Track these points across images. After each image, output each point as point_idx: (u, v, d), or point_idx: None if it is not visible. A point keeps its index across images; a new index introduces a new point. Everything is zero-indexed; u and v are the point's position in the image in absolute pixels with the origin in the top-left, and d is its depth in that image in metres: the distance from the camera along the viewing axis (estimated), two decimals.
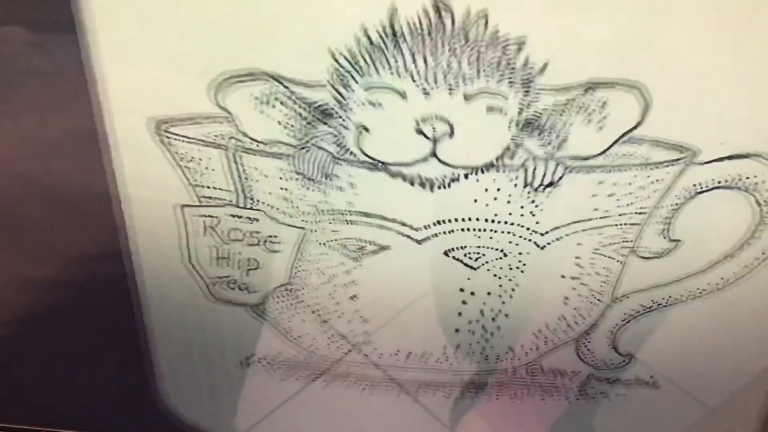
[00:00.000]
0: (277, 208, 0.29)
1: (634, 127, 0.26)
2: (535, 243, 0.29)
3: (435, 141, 0.27)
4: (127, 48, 0.26)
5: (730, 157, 0.26)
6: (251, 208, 0.30)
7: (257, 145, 0.28)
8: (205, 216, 0.30)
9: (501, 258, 0.30)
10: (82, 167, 0.29)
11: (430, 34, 0.25)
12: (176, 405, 0.36)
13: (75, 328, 0.35)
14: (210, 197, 0.29)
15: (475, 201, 0.28)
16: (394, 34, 0.25)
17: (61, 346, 0.35)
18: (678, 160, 0.26)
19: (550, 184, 0.27)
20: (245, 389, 0.35)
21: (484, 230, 0.29)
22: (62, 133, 0.29)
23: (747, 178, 0.27)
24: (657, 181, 0.27)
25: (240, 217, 0.30)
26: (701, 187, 0.27)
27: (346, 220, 0.30)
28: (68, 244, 0.32)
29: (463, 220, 0.29)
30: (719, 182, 0.27)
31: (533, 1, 0.24)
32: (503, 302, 0.31)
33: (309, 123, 0.27)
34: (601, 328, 0.31)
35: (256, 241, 0.31)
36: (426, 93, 0.26)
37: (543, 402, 0.33)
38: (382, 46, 0.25)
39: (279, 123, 0.27)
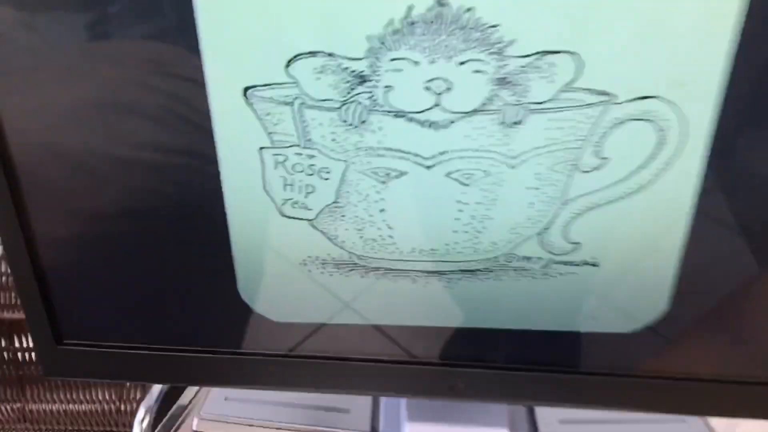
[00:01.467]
0: (328, 147, 0.42)
1: (572, 81, 0.38)
2: (507, 165, 0.42)
3: (439, 95, 0.40)
4: (226, 32, 0.38)
5: (638, 99, 0.39)
6: (309, 148, 0.42)
7: (315, 102, 0.40)
8: (277, 155, 0.42)
9: (485, 177, 0.42)
10: (189, 122, 0.42)
11: (433, 22, 0.37)
12: (252, 302, 0.49)
13: (175, 245, 0.47)
14: (281, 140, 0.42)
15: (467, 136, 0.41)
16: (411, 23, 0.37)
17: (164, 263, 0.48)
18: (603, 102, 0.39)
19: (518, 123, 0.40)
20: (303, 286, 0.48)
21: (473, 157, 0.42)
22: (173, 92, 0.41)
23: (650, 112, 0.39)
24: (589, 117, 0.40)
25: (301, 155, 0.42)
26: (620, 120, 0.40)
27: (377, 154, 0.42)
28: (176, 178, 0.44)
29: (458, 150, 0.42)
30: (632, 116, 0.40)
31: (505, 1, 0.36)
32: (488, 209, 0.44)
33: (351, 85, 0.40)
34: (556, 224, 0.44)
35: (313, 172, 0.43)
36: (432, 62, 0.38)
37: (516, 281, 0.46)
38: (403, 31, 0.37)
39: (330, 86, 0.40)
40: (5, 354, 0.74)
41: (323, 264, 0.47)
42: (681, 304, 0.46)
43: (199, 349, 0.51)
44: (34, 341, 0.51)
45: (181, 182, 0.45)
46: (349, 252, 0.46)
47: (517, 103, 0.39)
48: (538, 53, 0.38)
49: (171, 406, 0.79)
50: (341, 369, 0.51)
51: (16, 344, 0.75)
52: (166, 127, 0.42)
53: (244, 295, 0.49)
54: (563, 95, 0.39)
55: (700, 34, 0.37)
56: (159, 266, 0.48)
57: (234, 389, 0.63)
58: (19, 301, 0.90)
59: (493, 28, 0.37)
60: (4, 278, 0.91)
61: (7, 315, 0.73)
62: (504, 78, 0.39)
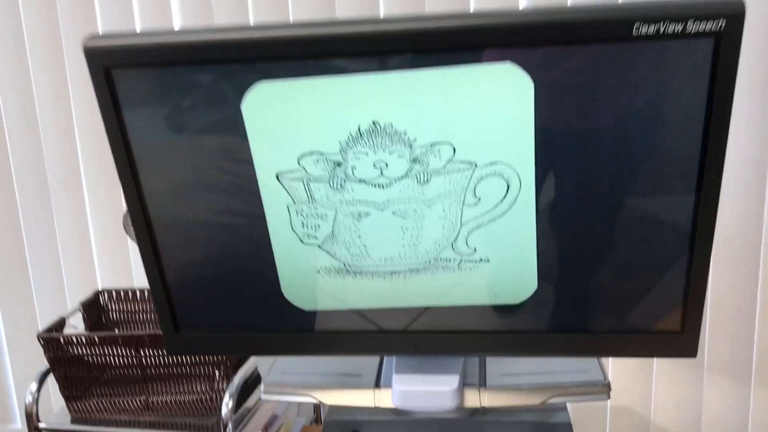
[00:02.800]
0: (324, 202, 0.74)
1: (451, 157, 0.70)
2: (426, 205, 0.73)
3: (381, 170, 0.72)
4: (265, 146, 0.72)
5: (490, 164, 0.70)
6: (314, 203, 0.75)
7: (314, 178, 0.73)
8: (297, 208, 0.75)
9: (414, 213, 0.74)
10: (248, 194, 0.75)
11: (372, 132, 0.70)
12: (289, 297, 0.81)
13: (244, 267, 0.80)
14: (299, 200, 0.75)
15: (400, 191, 0.73)
16: (360, 134, 0.70)
17: (238, 278, 0.81)
18: (470, 167, 0.70)
19: (427, 181, 0.72)
20: (320, 286, 0.79)
21: (405, 202, 0.73)
22: (236, 175, 0.75)
23: (498, 171, 0.70)
24: (465, 175, 0.71)
25: (310, 207, 0.75)
26: (482, 176, 0.71)
27: (352, 204, 0.74)
28: (243, 227, 0.77)
29: (397, 199, 0.73)
30: (489, 174, 0.71)
31: (420, 117, 0.69)
32: (418, 231, 0.75)
33: (332, 168, 0.72)
34: (460, 237, 0.75)
35: (317, 216, 0.75)
36: (375, 152, 0.71)
37: (444, 274, 0.77)
38: (357, 138, 0.70)
39: (322, 169, 0.72)
40: (133, 360, 1.08)
41: (328, 271, 0.79)
42: (544, 284, 0.76)
43: (263, 330, 0.84)
44: (162, 331, 0.84)
45: (246, 230, 0.78)
46: (343, 262, 0.78)
47: (424, 171, 0.71)
48: (430, 144, 0.70)
49: (248, 395, 1.12)
50: (349, 339, 0.83)
51: (141, 353, 1.08)
52: (235, 196, 0.76)
53: (286, 295, 0.81)
54: (449, 165, 0.71)
55: (515, 130, 0.68)
56: (236, 280, 0.81)
57: (287, 366, 0.95)
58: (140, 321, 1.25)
59: (404, 133, 0.70)
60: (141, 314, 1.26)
61: (136, 333, 1.07)
62: (415, 158, 0.71)
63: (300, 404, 1.39)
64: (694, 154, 0.69)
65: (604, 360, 0.90)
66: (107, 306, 1.28)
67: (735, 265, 1.17)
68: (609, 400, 1.26)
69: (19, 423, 1.66)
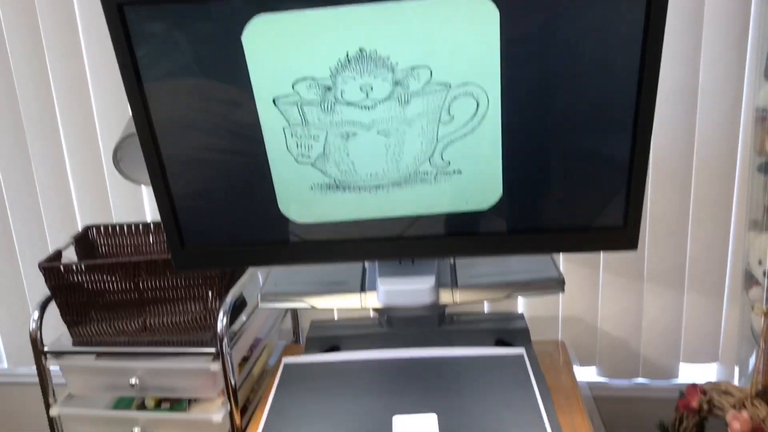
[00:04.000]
0: (316, 124, 0.84)
1: (429, 79, 0.80)
2: (406, 124, 0.84)
3: (367, 93, 0.82)
4: (263, 74, 0.81)
5: (462, 84, 0.81)
6: (307, 125, 0.84)
7: (307, 102, 0.83)
8: (291, 130, 0.85)
9: (396, 131, 0.84)
10: (249, 118, 0.84)
11: (359, 59, 0.80)
12: (285, 211, 0.91)
13: (245, 185, 0.89)
14: (293, 122, 0.84)
15: (384, 111, 0.83)
16: (348, 60, 0.80)
17: (239, 196, 0.90)
18: (445, 88, 0.81)
19: (408, 102, 0.82)
20: (312, 200, 0.90)
21: (388, 121, 0.84)
22: (237, 101, 0.84)
23: (469, 91, 0.81)
24: (440, 96, 0.82)
25: (303, 129, 0.85)
26: (455, 96, 0.82)
27: (341, 125, 0.84)
28: (246, 147, 0.86)
29: (381, 119, 0.84)
30: (461, 94, 0.82)
31: (401, 44, 0.79)
32: (400, 148, 0.86)
33: (323, 92, 0.82)
34: (436, 152, 0.86)
35: (310, 137, 0.85)
36: (362, 76, 0.81)
37: (422, 185, 0.88)
38: (346, 64, 0.80)
39: (314, 93, 0.82)
40: (131, 285, 1.17)
41: (320, 187, 0.89)
42: (508, 191, 0.88)
43: (262, 243, 0.94)
44: (169, 247, 0.94)
45: (246, 152, 0.87)
46: (333, 179, 0.89)
47: (405, 92, 0.82)
48: (410, 68, 0.80)
49: (239, 313, 1.22)
50: (339, 247, 0.94)
51: (140, 285, 1.17)
52: (236, 121, 0.85)
53: (282, 210, 0.92)
54: (426, 86, 0.81)
55: (483, 54, 0.79)
56: (237, 198, 0.91)
57: (280, 278, 1.06)
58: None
59: (387, 58, 0.80)
60: (128, 248, 1.34)
61: (133, 259, 1.15)
62: (397, 81, 0.81)
63: (281, 328, 1.50)
64: (634, 74, 0.81)
65: (557, 264, 1.03)
66: (96, 241, 1.35)
67: (670, 185, 1.32)
68: (560, 311, 1.42)
69: (5, 363, 1.73)
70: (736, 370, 1.39)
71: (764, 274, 1.07)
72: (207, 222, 0.93)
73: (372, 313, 1.40)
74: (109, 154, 1.47)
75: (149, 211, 1.50)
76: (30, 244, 1.58)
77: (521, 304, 1.46)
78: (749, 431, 0.98)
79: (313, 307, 1.01)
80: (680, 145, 1.29)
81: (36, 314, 1.20)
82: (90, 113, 1.45)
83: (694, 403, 1.10)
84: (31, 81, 1.45)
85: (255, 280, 1.34)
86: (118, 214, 1.51)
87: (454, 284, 1.01)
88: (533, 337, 1.25)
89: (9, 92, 1.46)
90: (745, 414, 0.99)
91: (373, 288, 1.00)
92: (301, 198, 0.90)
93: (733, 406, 1.03)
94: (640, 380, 1.47)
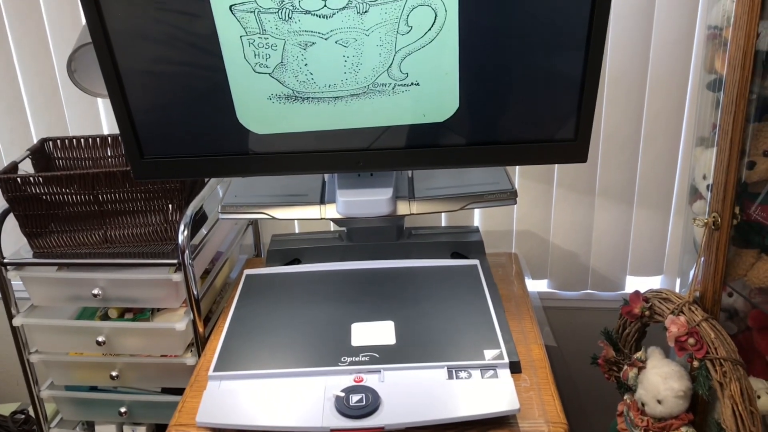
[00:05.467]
0: (274, 33, 0.84)
1: None
2: (364, 34, 0.84)
3: (325, 1, 0.81)
4: None
5: None
6: (265, 33, 0.84)
7: (265, 9, 0.82)
8: (249, 39, 0.84)
9: (354, 41, 0.85)
10: (205, 26, 0.83)
11: None
12: (245, 124, 0.92)
13: (203, 94, 0.89)
14: (251, 31, 0.84)
15: (342, 21, 0.83)
16: None
17: (198, 106, 0.90)
18: None
19: (366, 12, 0.82)
20: (271, 111, 0.90)
21: (346, 31, 0.84)
22: (196, 13, 0.83)
23: (428, 1, 0.82)
24: (399, 5, 0.82)
25: (261, 37, 0.84)
26: (414, 6, 0.82)
27: (299, 34, 0.84)
28: (202, 55, 0.86)
29: (339, 29, 0.84)
30: (419, 3, 0.82)
31: None
32: (358, 59, 0.86)
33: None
34: (394, 63, 0.87)
35: (268, 46, 0.85)
36: None
37: (380, 97, 0.89)
38: None
39: (272, 0, 0.82)
40: (90, 196, 1.17)
41: (279, 97, 0.90)
42: (464, 103, 0.90)
43: (221, 153, 0.95)
44: (127, 158, 0.94)
45: (203, 62, 0.87)
46: (292, 89, 0.89)
47: (363, 1, 0.82)
48: None
49: (200, 226, 1.23)
50: (298, 158, 0.95)
51: (99, 197, 1.17)
52: (192, 30, 0.84)
53: (241, 120, 0.92)
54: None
55: None
56: (195, 108, 0.91)
57: (240, 190, 1.07)
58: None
59: None
60: (85, 161, 1.33)
61: (91, 171, 1.15)
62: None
63: (242, 243, 1.53)
64: None
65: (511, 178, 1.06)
66: (53, 154, 1.34)
67: (623, 103, 1.35)
68: (515, 225, 1.46)
69: None
70: (678, 282, 1.47)
71: (707, 187, 1.12)
72: (166, 132, 0.93)
73: (332, 227, 1.43)
74: (62, 65, 1.43)
75: (106, 124, 1.49)
76: None
77: (477, 219, 1.50)
78: (685, 334, 1.04)
79: (273, 218, 1.03)
80: (635, 64, 1.31)
81: None
82: (41, 23, 1.40)
83: (636, 309, 1.17)
84: None
85: (215, 194, 1.34)
86: (74, 128, 1.49)
87: (411, 196, 1.04)
88: (488, 250, 1.29)
89: None
90: (682, 318, 1.06)
91: (333, 199, 1.02)
92: (260, 108, 0.91)
93: (672, 312, 1.09)
94: (589, 291, 1.54)
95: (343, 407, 0.85)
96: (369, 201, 0.98)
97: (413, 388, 0.88)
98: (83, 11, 0.82)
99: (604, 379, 1.22)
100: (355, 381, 0.90)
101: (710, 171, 1.13)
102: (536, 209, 1.47)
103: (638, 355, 1.12)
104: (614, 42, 1.29)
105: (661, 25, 1.27)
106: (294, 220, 1.46)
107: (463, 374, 0.90)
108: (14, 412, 1.65)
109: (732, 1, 1.03)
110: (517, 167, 1.40)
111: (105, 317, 1.25)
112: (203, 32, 0.84)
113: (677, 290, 1.47)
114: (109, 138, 1.34)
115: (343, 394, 0.86)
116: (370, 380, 0.90)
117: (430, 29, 0.84)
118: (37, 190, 1.17)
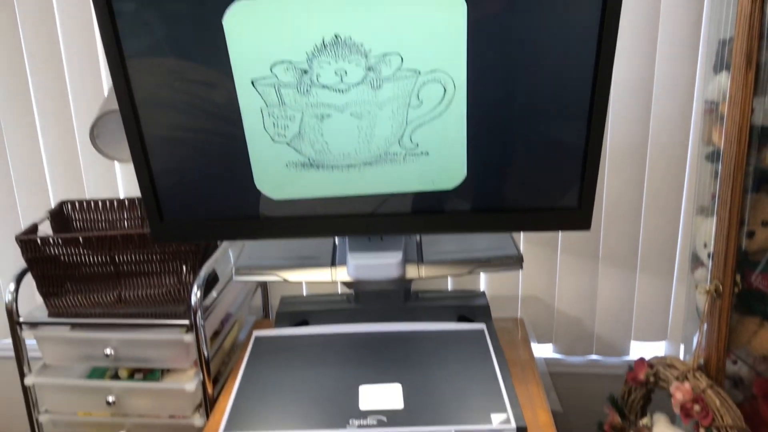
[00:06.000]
0: (293, 105, 0.89)
1: (400, 65, 0.85)
2: (378, 107, 0.89)
3: (341, 77, 0.86)
4: (243, 57, 0.85)
5: (431, 71, 0.86)
6: (284, 106, 0.89)
7: (284, 84, 0.87)
8: (269, 110, 0.89)
9: (368, 114, 0.89)
10: (228, 98, 0.88)
11: (334, 44, 0.84)
12: (262, 189, 0.96)
13: (223, 161, 0.94)
14: (271, 103, 0.89)
15: (357, 95, 0.88)
16: (324, 45, 0.84)
17: (218, 172, 0.94)
18: (415, 74, 0.86)
19: (379, 87, 0.87)
20: (287, 179, 0.94)
21: (361, 104, 0.89)
22: (217, 82, 0.88)
23: (437, 78, 0.87)
24: (410, 81, 0.87)
25: (280, 109, 0.89)
26: (424, 82, 0.87)
27: (316, 107, 0.89)
28: (225, 125, 0.91)
29: (354, 102, 0.88)
30: (430, 80, 0.87)
31: (374, 31, 0.83)
32: (371, 130, 0.91)
33: (300, 75, 0.87)
34: (405, 134, 0.91)
35: (286, 117, 0.90)
36: (336, 61, 0.85)
37: (392, 165, 0.93)
38: (322, 48, 0.84)
39: (290, 76, 0.87)
40: (107, 258, 1.20)
41: (295, 165, 0.94)
42: (472, 172, 0.94)
43: (238, 217, 0.98)
44: (148, 220, 0.97)
45: (225, 131, 0.91)
46: (308, 158, 0.93)
47: (377, 78, 0.87)
48: (382, 54, 0.85)
49: (211, 288, 1.26)
50: (311, 222, 0.98)
51: (115, 258, 1.20)
52: (216, 101, 0.89)
53: (258, 186, 0.96)
54: (397, 72, 0.86)
55: (451, 43, 0.84)
56: (215, 174, 0.95)
57: (254, 253, 1.10)
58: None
59: (361, 45, 0.85)
60: (102, 223, 1.37)
61: (109, 233, 1.18)
62: (370, 67, 0.86)
63: (250, 305, 1.55)
64: (590, 66, 0.87)
65: (517, 243, 1.10)
66: (71, 215, 1.38)
67: (624, 173, 1.39)
68: (520, 290, 1.49)
69: None
70: (682, 348, 1.48)
71: (709, 255, 1.15)
72: (185, 197, 0.97)
73: (340, 290, 1.46)
74: (82, 131, 1.49)
75: (122, 188, 1.53)
76: (1, 219, 1.60)
77: (483, 283, 1.52)
78: (690, 401, 1.06)
79: (285, 280, 1.06)
80: (635, 135, 1.36)
81: (12, 286, 1.23)
82: (64, 89, 1.47)
83: (642, 376, 1.18)
84: (4, 56, 1.46)
85: (226, 256, 1.38)
86: (91, 191, 1.53)
87: (420, 260, 1.07)
88: (494, 314, 1.31)
89: None
90: (687, 385, 1.07)
91: (344, 262, 1.05)
92: (277, 175, 0.95)
93: (677, 378, 1.10)
94: (594, 357, 1.55)
95: None
96: (379, 264, 1.01)
97: None
98: (113, 82, 0.87)
99: None
100: None
101: (711, 239, 1.16)
102: (541, 274, 1.49)
103: (644, 421, 1.13)
104: (615, 114, 1.34)
105: (661, 97, 1.33)
106: (306, 282, 1.48)
107: None
108: None
109: (727, 78, 1.08)
110: (522, 233, 1.43)
111: (115, 377, 1.27)
112: (226, 103, 0.89)
113: (681, 356, 1.48)
114: (126, 201, 1.38)
115: None
116: None
117: (439, 103, 0.88)
118: (56, 251, 1.20)
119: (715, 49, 1.18)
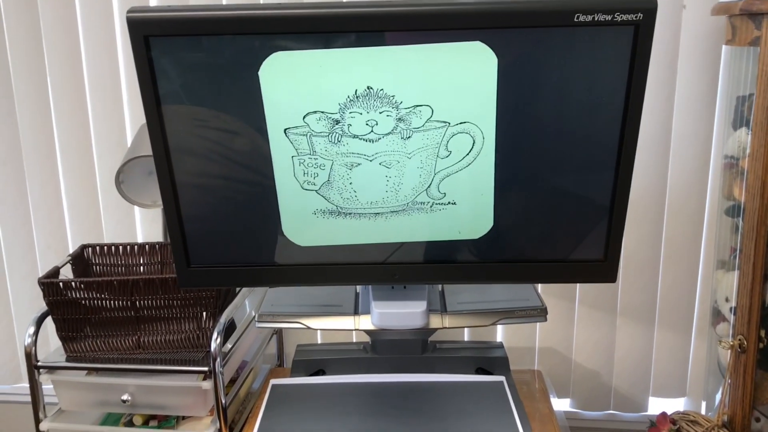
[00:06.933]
0: (323, 154, 0.90)
1: (430, 117, 0.87)
2: (407, 157, 0.90)
3: (372, 127, 0.88)
4: (277, 110, 0.87)
5: (460, 123, 0.88)
6: (315, 155, 0.90)
7: (316, 133, 0.89)
8: (300, 159, 0.91)
9: (397, 163, 0.91)
10: (260, 147, 0.90)
11: (367, 95, 0.86)
12: (288, 235, 0.96)
13: (251, 209, 0.95)
14: (302, 152, 0.90)
15: (387, 144, 0.89)
16: (357, 96, 0.86)
17: (245, 219, 0.95)
18: (444, 125, 0.88)
19: (409, 137, 0.89)
20: (315, 225, 0.95)
21: (390, 154, 0.90)
22: (251, 131, 0.89)
23: (466, 129, 0.88)
24: (440, 132, 0.88)
25: (311, 158, 0.90)
26: (453, 133, 0.88)
27: (346, 156, 0.90)
28: (256, 175, 0.92)
29: (383, 151, 0.90)
30: (459, 131, 0.88)
31: (405, 84, 0.85)
32: (400, 179, 0.92)
33: (332, 124, 0.88)
34: (433, 184, 0.92)
35: (316, 166, 0.91)
36: (368, 112, 0.87)
37: (419, 214, 0.94)
38: (354, 99, 0.86)
39: (323, 125, 0.88)
40: (128, 302, 1.20)
41: (323, 213, 0.95)
42: (499, 222, 0.94)
43: (264, 264, 0.99)
44: (176, 265, 0.98)
45: (256, 178, 0.93)
46: (336, 206, 0.94)
47: (407, 128, 0.88)
48: (413, 106, 0.87)
49: (230, 335, 1.26)
50: (337, 270, 0.99)
51: (136, 303, 1.20)
52: (248, 149, 0.91)
53: (286, 233, 0.97)
54: (427, 123, 0.88)
55: (481, 96, 0.86)
56: (243, 221, 0.96)
57: (276, 299, 1.10)
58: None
59: (393, 97, 0.86)
60: (121, 267, 1.38)
61: (131, 278, 1.19)
62: (400, 118, 0.88)
63: (265, 353, 1.54)
64: (618, 121, 0.89)
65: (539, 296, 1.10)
66: (91, 259, 1.38)
67: (643, 226, 1.40)
68: (537, 342, 1.48)
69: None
70: (703, 404, 1.46)
71: (731, 310, 1.15)
72: (213, 243, 0.98)
73: (355, 339, 1.45)
74: (104, 175, 1.51)
75: (140, 233, 1.54)
76: (19, 261, 1.61)
77: (500, 334, 1.51)
78: None
79: (308, 328, 1.06)
80: (654, 189, 1.37)
81: (32, 329, 1.23)
82: (87, 134, 1.49)
83: (664, 431, 1.17)
84: (29, 98, 1.49)
85: (243, 304, 1.37)
86: (109, 235, 1.54)
87: (443, 310, 1.07)
88: (511, 366, 1.30)
89: (8, 108, 1.50)
90: None
91: (367, 311, 1.05)
92: (305, 222, 0.96)
93: None
94: (613, 412, 1.53)
95: None
96: (403, 314, 1.01)
97: None
98: (148, 128, 0.89)
99: None
100: None
101: (732, 294, 1.16)
102: (559, 327, 1.49)
103: None
104: (635, 167, 1.35)
105: (679, 152, 1.34)
106: (321, 330, 1.48)
107: None
108: None
109: (746, 133, 1.09)
110: (540, 284, 1.43)
111: (129, 424, 1.25)
112: (257, 151, 0.90)
113: (703, 413, 1.46)
114: (147, 246, 1.38)
115: None
116: None
117: (468, 154, 0.90)
118: (77, 295, 1.20)
119: (733, 105, 1.20)
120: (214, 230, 0.97)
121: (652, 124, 1.33)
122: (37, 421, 1.24)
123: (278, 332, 1.55)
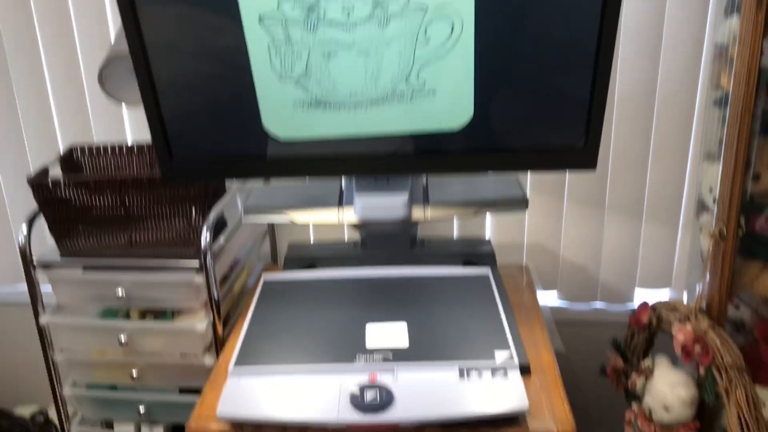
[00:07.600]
0: (300, 42, 0.89)
1: (407, 1, 0.85)
2: (385, 44, 0.89)
3: (348, 13, 0.86)
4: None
5: (438, 6, 0.86)
6: (291, 43, 0.89)
7: (292, 21, 0.87)
8: (276, 47, 0.89)
9: (375, 51, 0.89)
10: (235, 36, 0.89)
11: None
12: (268, 127, 0.96)
13: (231, 100, 0.94)
14: (278, 41, 0.89)
15: (364, 31, 0.88)
16: None
17: (224, 110, 0.95)
18: (423, 9, 0.86)
19: (387, 23, 0.87)
20: (295, 118, 0.95)
21: (368, 41, 0.89)
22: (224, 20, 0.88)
23: (445, 13, 0.86)
24: (418, 17, 0.86)
25: (287, 46, 0.89)
26: (432, 18, 0.87)
27: (323, 44, 0.89)
28: (233, 63, 0.91)
29: (361, 39, 0.88)
30: (438, 16, 0.86)
31: None
32: (378, 67, 0.91)
33: (307, 12, 0.86)
34: (413, 72, 0.91)
35: (293, 55, 0.90)
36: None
37: (399, 103, 0.93)
38: None
39: (298, 12, 0.86)
40: (118, 201, 1.21)
41: (302, 104, 0.94)
42: (478, 111, 0.94)
43: (247, 157, 0.99)
44: (158, 159, 0.99)
45: (232, 70, 0.92)
46: (315, 96, 0.94)
47: (385, 13, 0.86)
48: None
49: (221, 232, 1.28)
50: (319, 163, 0.99)
51: (126, 202, 1.21)
52: (222, 40, 0.89)
53: (266, 126, 0.97)
54: (405, 8, 0.86)
55: None
56: (222, 114, 0.96)
57: (261, 194, 1.11)
58: None
59: None
60: (111, 169, 1.38)
61: (120, 176, 1.20)
62: (377, 2, 0.86)
63: (260, 251, 1.57)
64: (598, 6, 0.86)
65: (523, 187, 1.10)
66: (80, 161, 1.39)
67: (634, 119, 1.39)
68: (525, 238, 1.50)
69: None
70: (685, 294, 1.49)
71: (714, 200, 1.15)
72: (194, 137, 0.98)
73: (347, 237, 1.47)
74: (90, 75, 1.49)
75: (130, 133, 1.54)
76: (11, 163, 1.61)
77: (489, 231, 1.53)
78: (692, 342, 1.07)
79: (292, 222, 1.07)
80: (644, 81, 1.35)
81: (24, 228, 1.25)
82: (71, 34, 1.47)
83: (644, 319, 1.20)
84: (11, 1, 1.45)
85: (234, 203, 1.39)
86: (99, 136, 1.54)
87: (425, 201, 1.08)
88: (499, 261, 1.33)
89: None
90: (688, 326, 1.09)
91: (350, 203, 1.06)
92: (284, 115, 0.95)
93: (679, 320, 1.12)
94: (598, 304, 1.57)
95: (358, 403, 0.88)
96: (385, 204, 1.02)
97: (426, 387, 0.91)
98: (123, 27, 0.87)
99: (613, 391, 1.24)
100: (369, 379, 0.93)
101: (716, 184, 1.16)
102: (547, 222, 1.50)
103: (646, 363, 1.15)
104: (624, 60, 1.33)
105: (669, 44, 1.31)
106: (313, 226, 1.50)
107: (474, 374, 0.93)
108: (33, 415, 1.69)
109: (738, 20, 1.07)
110: (529, 180, 1.44)
111: (127, 317, 1.29)
112: (233, 42, 0.89)
113: (685, 303, 1.50)
114: (135, 147, 1.39)
115: (358, 391, 0.90)
116: (384, 378, 0.93)
117: (447, 40, 0.88)
118: (67, 194, 1.21)
119: None
120: (195, 123, 0.97)
121: (642, 15, 1.29)
122: (37, 316, 1.28)
123: (272, 231, 1.57)
